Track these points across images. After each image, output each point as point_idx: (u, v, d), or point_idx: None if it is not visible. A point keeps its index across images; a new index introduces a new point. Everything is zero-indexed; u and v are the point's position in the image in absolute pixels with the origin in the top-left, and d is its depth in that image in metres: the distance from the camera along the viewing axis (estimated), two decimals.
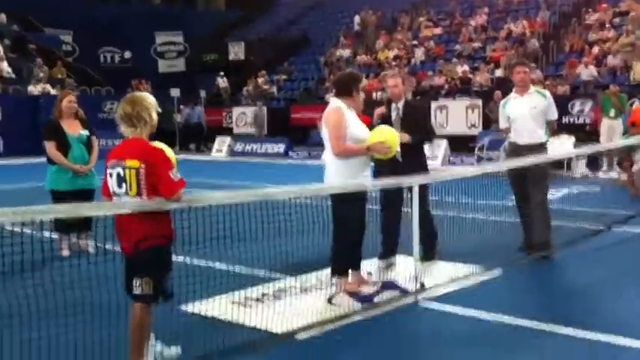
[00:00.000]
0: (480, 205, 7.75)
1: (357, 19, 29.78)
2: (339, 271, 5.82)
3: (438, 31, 26.93)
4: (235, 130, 26.86)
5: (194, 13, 39.12)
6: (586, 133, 16.50)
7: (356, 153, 5.59)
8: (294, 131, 23.93)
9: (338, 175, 5.65)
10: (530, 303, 5.57)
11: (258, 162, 20.99)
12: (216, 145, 23.99)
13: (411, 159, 6.40)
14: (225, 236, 5.14)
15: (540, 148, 7.15)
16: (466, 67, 22.86)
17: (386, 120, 6.58)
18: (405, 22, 28.40)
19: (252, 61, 30.96)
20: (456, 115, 20.71)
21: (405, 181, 5.67)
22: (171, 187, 3.92)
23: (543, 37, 23.46)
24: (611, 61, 20.17)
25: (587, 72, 19.85)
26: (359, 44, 28.72)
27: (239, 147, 23.51)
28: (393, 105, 6.77)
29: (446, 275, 6.03)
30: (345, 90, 5.74)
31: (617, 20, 22.21)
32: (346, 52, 27.68)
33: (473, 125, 20.58)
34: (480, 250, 6.75)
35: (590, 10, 23.55)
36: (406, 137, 6.27)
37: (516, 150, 7.19)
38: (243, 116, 26.99)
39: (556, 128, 7.66)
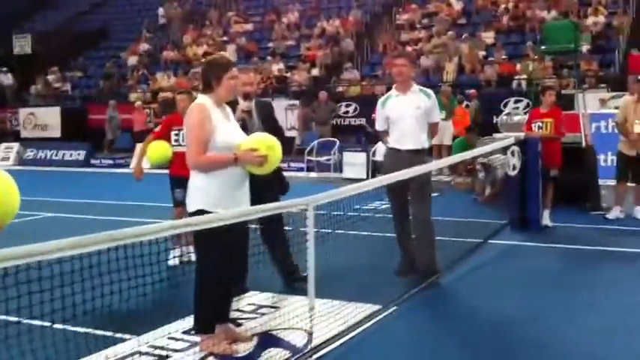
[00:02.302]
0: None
1: (161, 11, 27.70)
2: (204, 326, 4.36)
3: (249, 27, 25.77)
4: (23, 134, 23.62)
5: None
6: None
7: (219, 164, 4.17)
8: (95, 135, 21.34)
9: (201, 194, 4.19)
10: (437, 351, 4.50)
11: (54, 171, 18.33)
12: (0, 153, 20.60)
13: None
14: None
15: (423, 154, 6.17)
16: (281, 66, 21.94)
17: (245, 125, 5.27)
18: (214, 17, 26.89)
19: (42, 55, 27.58)
20: None
21: (293, 203, 4.29)
22: None
23: (357, 37, 23.23)
24: (424, 61, 20.29)
25: None
26: (164, 39, 26.72)
27: (30, 154, 20.30)
28: (245, 104, 5.45)
29: (337, 319, 4.76)
30: (205, 82, 4.34)
31: (425, 21, 22.55)
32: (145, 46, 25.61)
33: (293, 127, 19.66)
34: (366, 280, 5.58)
35: (400, 10, 23.73)
36: None
37: (397, 157, 6.12)
38: (32, 118, 23.83)
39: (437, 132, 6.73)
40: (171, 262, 6.55)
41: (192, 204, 4.26)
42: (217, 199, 4.17)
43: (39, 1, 33.43)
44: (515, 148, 7.82)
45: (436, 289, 5.78)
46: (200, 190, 4.22)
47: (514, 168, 7.81)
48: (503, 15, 21.43)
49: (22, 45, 27.38)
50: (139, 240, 3.20)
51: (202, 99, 4.30)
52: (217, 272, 4.23)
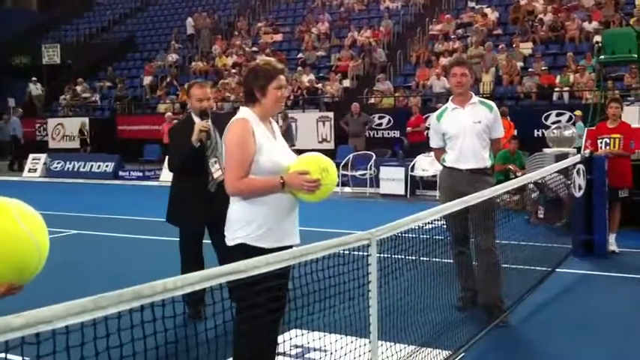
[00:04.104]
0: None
1: (189, 21, 27.36)
2: None
3: (278, 37, 25.33)
4: (51, 145, 23.41)
5: (1, 12, 34.32)
6: None
7: (262, 190, 3.52)
8: (124, 146, 20.98)
9: (242, 225, 3.53)
10: None
11: (81, 183, 17.91)
12: (28, 164, 20.23)
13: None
14: None
15: (485, 174, 5.51)
16: (312, 77, 21.42)
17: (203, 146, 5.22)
18: (243, 27, 26.49)
19: (70, 65, 27.42)
20: (306, 129, 19.11)
21: (354, 239, 3.64)
22: None
23: (388, 47, 22.63)
24: None
25: (439, 83, 19.14)
26: (193, 49, 26.37)
27: (57, 166, 19.86)
28: (201, 123, 5.20)
29: None
30: (247, 93, 3.67)
31: (460, 31, 21.88)
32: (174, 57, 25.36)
33: (325, 139, 19.12)
34: (426, 317, 4.89)
35: (433, 20, 23.08)
36: None
37: (456, 178, 5.48)
38: (61, 128, 23.61)
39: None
40: None
41: (231, 237, 3.60)
42: (261, 232, 3.52)
43: (67, 13, 33.37)
44: (581, 167, 7.12)
45: (506, 331, 5.08)
46: (241, 220, 3.56)
47: (580, 188, 7.10)
48: (540, 25, 20.67)
49: (51, 55, 27.22)
50: (171, 295, 2.54)
51: (244, 113, 3.64)
52: (261, 320, 3.57)
